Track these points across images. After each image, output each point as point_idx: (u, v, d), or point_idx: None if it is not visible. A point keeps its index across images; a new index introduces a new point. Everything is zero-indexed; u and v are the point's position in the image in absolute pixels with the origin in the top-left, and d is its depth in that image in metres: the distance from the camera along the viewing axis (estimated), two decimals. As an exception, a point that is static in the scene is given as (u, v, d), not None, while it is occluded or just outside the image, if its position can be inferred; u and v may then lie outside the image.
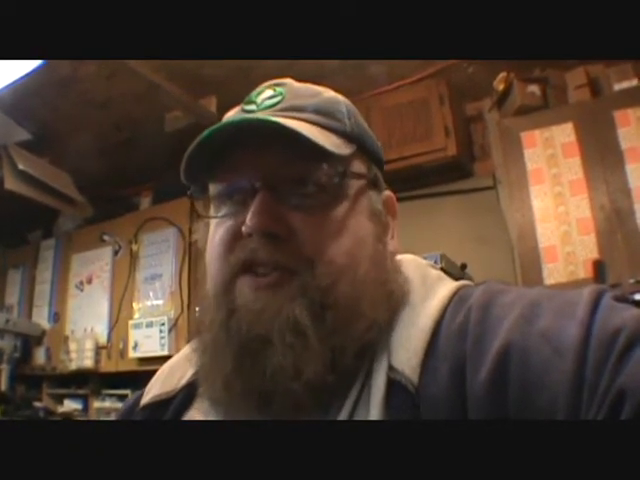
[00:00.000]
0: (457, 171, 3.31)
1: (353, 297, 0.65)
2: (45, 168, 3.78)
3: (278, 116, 0.68)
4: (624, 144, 2.67)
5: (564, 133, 2.80)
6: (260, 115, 0.68)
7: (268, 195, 0.65)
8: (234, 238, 0.68)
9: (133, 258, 3.99)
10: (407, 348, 0.63)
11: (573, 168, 2.74)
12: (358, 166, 0.73)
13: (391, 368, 0.62)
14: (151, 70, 2.99)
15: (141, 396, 0.83)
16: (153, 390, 0.82)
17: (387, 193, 0.80)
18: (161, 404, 0.78)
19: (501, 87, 3.05)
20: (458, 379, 0.58)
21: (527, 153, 2.85)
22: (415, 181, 3.30)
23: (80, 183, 4.03)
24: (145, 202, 4.25)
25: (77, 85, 3.16)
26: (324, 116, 0.70)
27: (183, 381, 0.78)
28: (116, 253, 4.12)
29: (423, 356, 0.62)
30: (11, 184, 3.49)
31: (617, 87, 2.88)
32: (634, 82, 2.84)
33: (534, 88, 2.96)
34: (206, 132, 0.65)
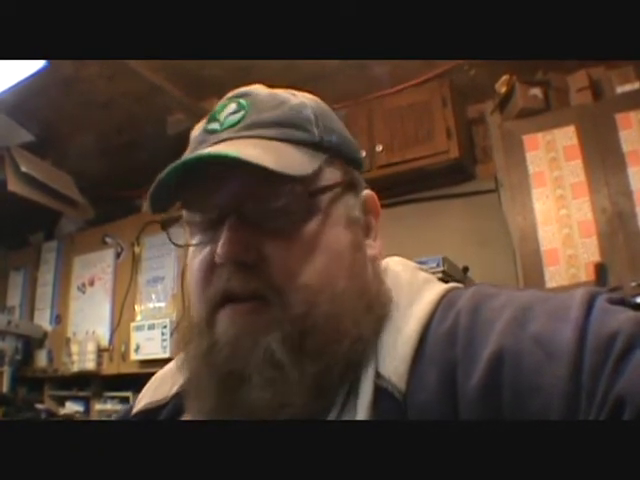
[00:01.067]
0: (459, 174, 3.31)
1: (333, 317, 0.63)
2: (47, 170, 3.78)
3: (240, 137, 0.67)
4: (626, 147, 2.66)
5: (566, 136, 2.80)
6: (216, 148, 0.66)
7: (237, 222, 0.64)
8: (209, 268, 0.67)
9: (135, 260, 3.99)
10: (394, 355, 0.62)
11: (575, 171, 2.73)
12: (330, 175, 0.70)
13: (378, 375, 0.62)
14: (152, 72, 3.00)
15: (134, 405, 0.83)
16: (144, 399, 0.82)
17: (366, 192, 0.77)
18: (152, 412, 0.78)
19: (503, 90, 3.05)
20: (448, 384, 0.57)
21: (529, 156, 2.85)
22: (417, 184, 3.30)
23: (82, 185, 4.03)
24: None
25: (79, 86, 3.16)
26: (289, 128, 0.68)
27: (174, 389, 0.78)
28: (118, 255, 4.12)
29: (411, 362, 0.61)
30: (14, 186, 3.49)
31: (619, 90, 2.88)
32: (636, 85, 2.84)
33: (536, 91, 2.96)
34: (164, 173, 0.64)
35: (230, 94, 0.75)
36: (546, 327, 0.55)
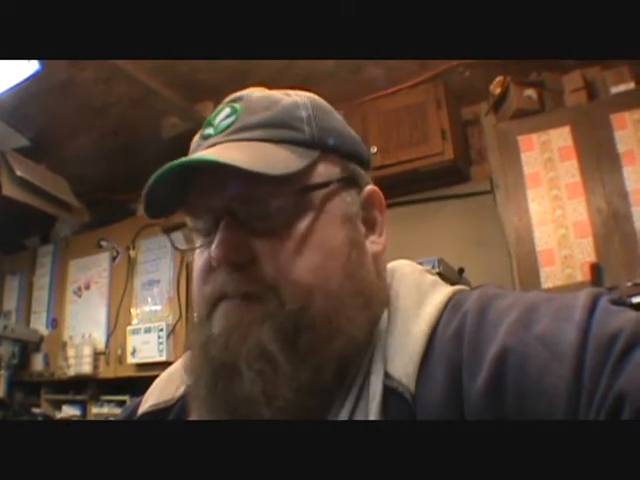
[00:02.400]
0: (454, 175, 3.32)
1: (327, 315, 0.64)
2: (43, 174, 3.78)
3: (228, 140, 0.68)
4: (621, 147, 2.67)
5: (561, 136, 2.80)
6: (201, 153, 0.68)
7: (229, 224, 0.65)
8: (207, 270, 0.68)
9: (131, 264, 3.99)
10: (403, 355, 0.63)
11: (570, 171, 2.74)
12: (324, 172, 0.70)
13: (387, 376, 0.62)
14: (147, 75, 3.00)
15: (139, 405, 0.83)
16: (150, 399, 0.81)
17: (370, 188, 0.76)
18: (159, 413, 0.78)
19: (497, 91, 3.05)
20: (455, 385, 0.58)
21: (524, 157, 2.86)
22: (412, 185, 3.30)
23: (77, 189, 4.03)
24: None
25: (74, 90, 3.16)
26: (278, 128, 0.69)
27: (181, 390, 0.78)
28: (114, 259, 4.11)
29: (419, 363, 0.61)
30: (9, 190, 3.48)
31: (614, 90, 2.89)
32: (630, 85, 2.85)
33: (530, 92, 2.97)
34: (151, 179, 0.65)
35: (227, 99, 0.75)
36: (550, 328, 0.56)
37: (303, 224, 0.66)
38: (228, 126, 0.70)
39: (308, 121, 0.71)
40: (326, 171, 0.70)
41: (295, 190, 0.67)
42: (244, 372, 0.61)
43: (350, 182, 0.73)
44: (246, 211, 0.66)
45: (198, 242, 0.72)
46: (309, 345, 0.63)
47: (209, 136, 0.72)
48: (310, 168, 0.68)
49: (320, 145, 0.70)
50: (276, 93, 0.75)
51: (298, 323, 0.63)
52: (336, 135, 0.73)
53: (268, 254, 0.65)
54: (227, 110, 0.72)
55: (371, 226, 0.75)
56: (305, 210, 0.67)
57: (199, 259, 0.71)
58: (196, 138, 0.75)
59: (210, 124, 0.73)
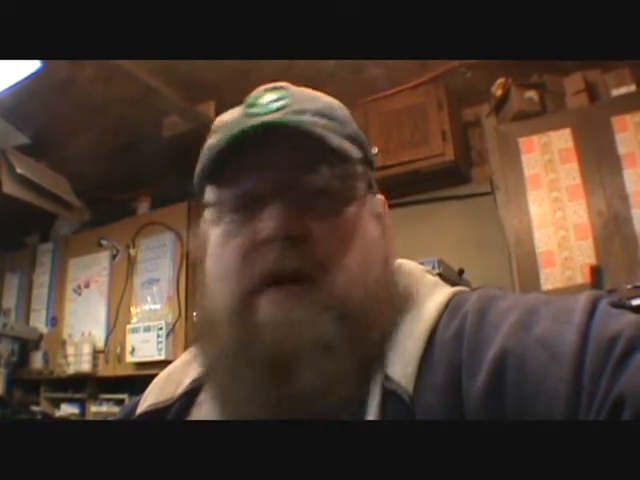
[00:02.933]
0: (455, 176, 3.31)
1: (367, 304, 0.64)
2: (43, 172, 3.78)
3: (288, 120, 0.67)
4: (621, 149, 2.67)
5: (562, 139, 2.80)
6: (276, 117, 0.67)
7: (287, 196, 0.64)
8: (251, 248, 0.64)
9: (131, 263, 3.99)
10: (402, 356, 0.63)
11: (571, 173, 2.74)
12: (362, 169, 0.72)
13: (387, 377, 0.62)
14: (148, 74, 3.00)
15: (137, 404, 0.82)
16: (149, 398, 0.80)
17: (380, 196, 0.79)
18: (158, 413, 0.77)
19: (499, 93, 3.05)
20: (454, 387, 0.58)
21: (525, 158, 2.85)
22: (412, 186, 3.30)
23: (78, 187, 4.03)
24: (143, 207, 4.25)
25: (75, 88, 3.16)
26: (330, 119, 0.69)
27: (181, 389, 0.77)
28: (114, 257, 4.12)
29: (418, 365, 0.61)
30: (9, 188, 3.49)
31: (615, 93, 2.89)
32: (632, 87, 2.85)
33: (532, 94, 2.97)
34: (229, 136, 0.63)
35: (261, 88, 0.74)
36: (550, 330, 0.55)
37: (352, 211, 0.68)
38: (281, 108, 0.69)
39: (347, 120, 0.73)
40: (363, 169, 0.73)
41: (350, 175, 0.69)
42: (305, 365, 0.60)
43: (371, 186, 0.76)
44: (301, 188, 0.65)
45: (227, 219, 0.68)
46: (353, 334, 0.62)
47: (257, 114, 0.69)
48: (359, 161, 0.70)
49: (359, 144, 0.72)
50: (311, 90, 0.76)
51: (345, 310, 0.62)
52: (364, 139, 0.75)
53: (322, 233, 0.64)
54: (271, 95, 0.71)
55: (385, 230, 0.76)
56: (353, 198, 0.69)
57: (231, 237, 0.67)
58: (233, 117, 0.72)
59: (254, 104, 0.71)
